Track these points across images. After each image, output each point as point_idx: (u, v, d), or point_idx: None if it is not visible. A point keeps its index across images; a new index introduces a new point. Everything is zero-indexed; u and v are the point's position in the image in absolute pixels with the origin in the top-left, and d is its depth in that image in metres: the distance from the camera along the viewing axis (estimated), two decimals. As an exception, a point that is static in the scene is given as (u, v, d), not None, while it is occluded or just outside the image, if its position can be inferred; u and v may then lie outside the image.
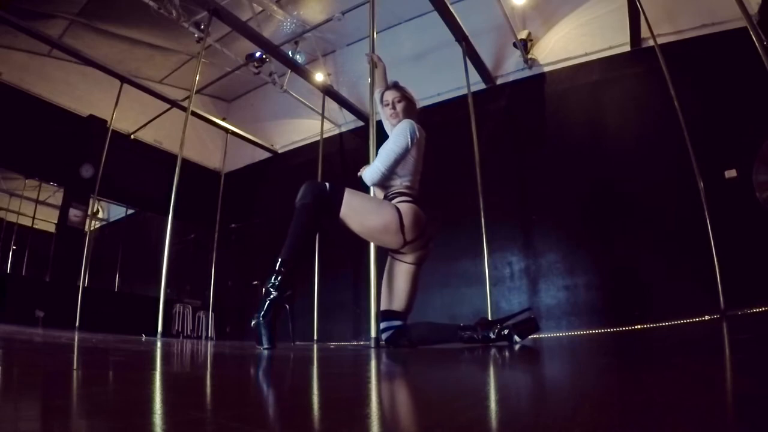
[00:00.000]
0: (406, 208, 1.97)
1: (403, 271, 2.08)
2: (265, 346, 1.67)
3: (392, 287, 2.10)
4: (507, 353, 1.55)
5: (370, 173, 2.08)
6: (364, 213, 1.93)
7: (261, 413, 0.51)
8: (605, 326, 3.76)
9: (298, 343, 4.78)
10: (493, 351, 1.61)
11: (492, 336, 1.91)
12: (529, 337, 2.02)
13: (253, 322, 1.72)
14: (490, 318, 2.60)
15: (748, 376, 0.68)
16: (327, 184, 1.92)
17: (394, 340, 2.04)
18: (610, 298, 3.87)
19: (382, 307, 2.11)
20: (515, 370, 1.16)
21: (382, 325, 2.08)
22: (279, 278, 1.74)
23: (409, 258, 2.07)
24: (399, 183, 2.07)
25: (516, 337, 1.90)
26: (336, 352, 2.09)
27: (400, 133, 2.07)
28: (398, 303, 2.08)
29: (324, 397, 0.65)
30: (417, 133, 2.09)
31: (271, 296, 1.72)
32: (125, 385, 0.67)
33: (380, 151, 2.10)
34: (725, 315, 2.95)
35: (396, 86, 2.30)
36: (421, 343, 2.03)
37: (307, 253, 1.96)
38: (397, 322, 2.06)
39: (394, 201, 2.02)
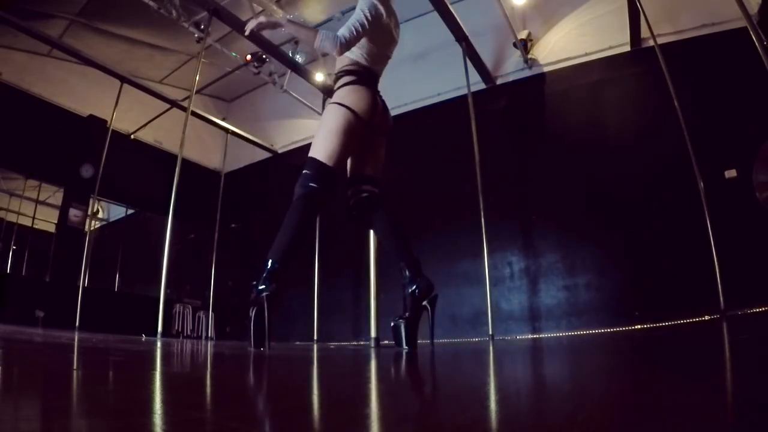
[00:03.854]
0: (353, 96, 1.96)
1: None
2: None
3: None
4: (509, 354, 1.55)
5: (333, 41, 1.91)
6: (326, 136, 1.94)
7: (260, 413, 0.51)
8: (605, 326, 3.75)
9: (297, 343, 4.79)
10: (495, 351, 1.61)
11: None
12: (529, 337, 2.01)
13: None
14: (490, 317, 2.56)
15: (748, 376, 0.68)
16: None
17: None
18: (610, 298, 3.87)
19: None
20: (515, 370, 1.16)
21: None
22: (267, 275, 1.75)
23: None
24: (348, 59, 2.03)
25: None
26: (336, 352, 2.09)
27: (359, 6, 1.99)
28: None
29: (324, 397, 0.65)
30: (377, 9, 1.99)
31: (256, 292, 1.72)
32: (125, 385, 0.67)
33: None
34: (725, 315, 2.95)
35: None
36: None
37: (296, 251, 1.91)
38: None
39: (337, 84, 2.02)
